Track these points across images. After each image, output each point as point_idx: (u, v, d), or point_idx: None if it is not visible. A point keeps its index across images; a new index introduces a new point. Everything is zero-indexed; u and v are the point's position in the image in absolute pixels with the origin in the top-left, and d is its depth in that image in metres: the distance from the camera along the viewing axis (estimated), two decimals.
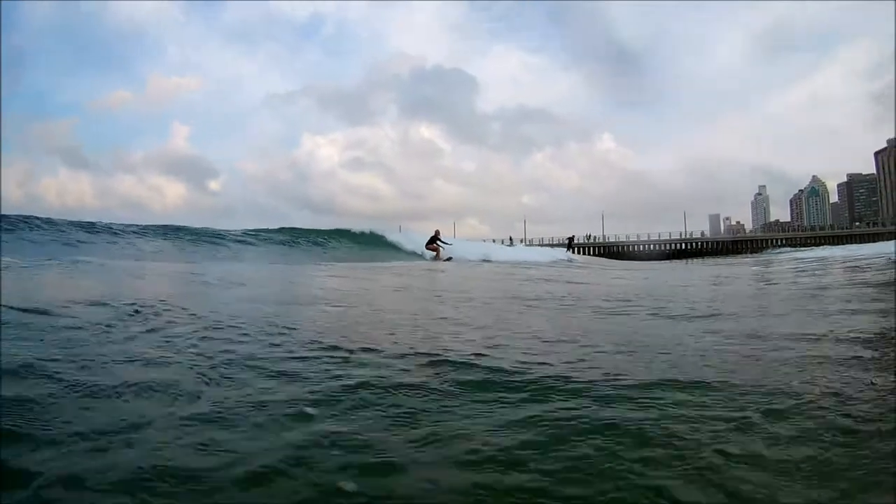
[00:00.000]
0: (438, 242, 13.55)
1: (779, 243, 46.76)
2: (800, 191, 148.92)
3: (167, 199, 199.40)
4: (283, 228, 12.86)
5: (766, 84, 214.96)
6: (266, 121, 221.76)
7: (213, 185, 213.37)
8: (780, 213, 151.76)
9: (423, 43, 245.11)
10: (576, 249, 31.28)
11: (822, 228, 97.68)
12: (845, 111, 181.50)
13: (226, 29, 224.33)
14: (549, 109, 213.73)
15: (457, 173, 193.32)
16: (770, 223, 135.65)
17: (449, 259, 12.78)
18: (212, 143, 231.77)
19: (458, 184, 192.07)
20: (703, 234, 70.67)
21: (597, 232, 44.66)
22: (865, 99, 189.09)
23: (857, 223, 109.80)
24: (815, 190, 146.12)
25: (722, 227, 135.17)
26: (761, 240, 50.33)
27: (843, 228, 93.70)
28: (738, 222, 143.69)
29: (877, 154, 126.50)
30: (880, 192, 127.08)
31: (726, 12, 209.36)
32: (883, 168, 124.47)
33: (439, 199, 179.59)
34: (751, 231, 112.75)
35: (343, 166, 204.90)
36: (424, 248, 13.69)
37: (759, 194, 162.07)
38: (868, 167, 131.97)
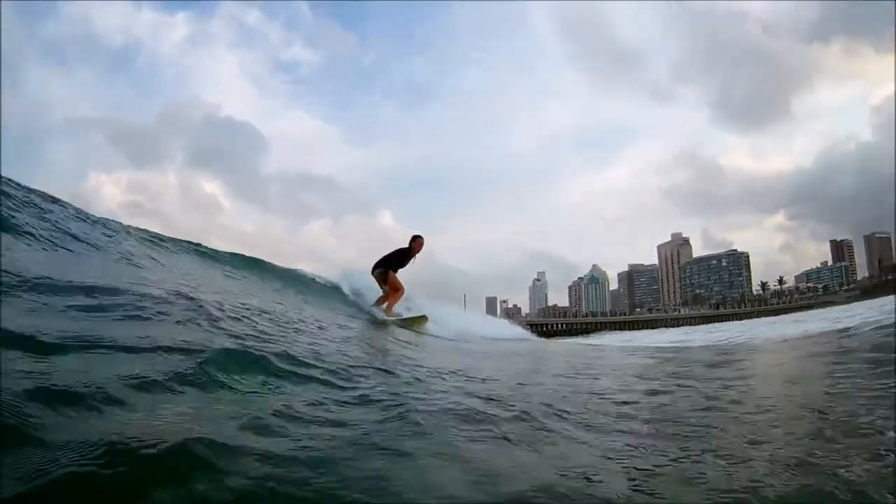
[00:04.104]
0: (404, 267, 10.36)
1: (561, 327, 61.55)
2: (579, 278, 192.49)
3: None
4: (257, 260, 10.75)
5: (552, 175, 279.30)
6: (60, 148, 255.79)
7: None
8: (559, 298, 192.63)
9: (222, 92, 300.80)
10: None
11: (603, 314, 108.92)
12: (631, 206, 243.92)
13: (44, 41, 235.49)
14: (332, 178, 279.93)
15: (234, 232, 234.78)
16: (548, 307, 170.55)
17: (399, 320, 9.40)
18: (5, 162, 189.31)
19: (235, 243, 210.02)
20: None
21: None
22: (652, 195, 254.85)
23: (638, 309, 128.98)
24: (594, 277, 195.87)
25: (499, 310, 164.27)
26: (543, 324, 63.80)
27: (623, 314, 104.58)
28: (514, 305, 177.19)
29: (660, 246, 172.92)
30: (661, 281, 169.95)
31: (519, 111, 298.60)
32: (665, 260, 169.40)
33: None
34: (527, 315, 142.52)
35: (122, 208, 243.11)
36: (371, 273, 10.27)
37: (538, 280, 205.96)
38: (649, 258, 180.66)
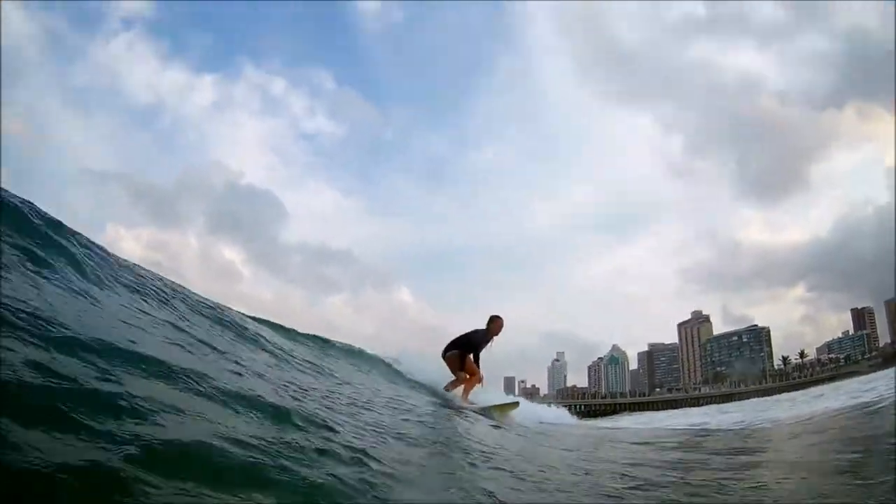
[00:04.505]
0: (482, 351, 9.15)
1: (580, 409, 60.29)
2: (599, 358, 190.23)
3: None
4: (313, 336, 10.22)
5: (571, 255, 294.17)
6: (77, 195, 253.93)
7: None
8: (578, 378, 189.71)
9: (244, 159, 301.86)
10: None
11: (621, 395, 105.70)
12: (650, 285, 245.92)
13: (70, 87, 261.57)
14: (351, 252, 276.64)
15: (253, 301, 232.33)
16: (566, 388, 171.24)
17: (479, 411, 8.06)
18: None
19: (251, 313, 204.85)
20: None
21: None
22: (671, 274, 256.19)
23: (658, 389, 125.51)
24: (615, 358, 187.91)
25: (517, 390, 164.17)
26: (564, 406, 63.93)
27: (642, 395, 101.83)
28: (533, 385, 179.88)
29: (680, 325, 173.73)
30: (681, 360, 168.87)
31: (538, 189, 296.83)
32: (685, 338, 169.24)
33: None
34: (545, 395, 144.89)
35: (143, 264, 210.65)
36: (442, 357, 9.27)
37: (557, 360, 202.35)
38: (669, 337, 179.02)
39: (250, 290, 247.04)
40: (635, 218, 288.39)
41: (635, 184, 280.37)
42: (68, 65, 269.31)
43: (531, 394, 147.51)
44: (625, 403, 68.60)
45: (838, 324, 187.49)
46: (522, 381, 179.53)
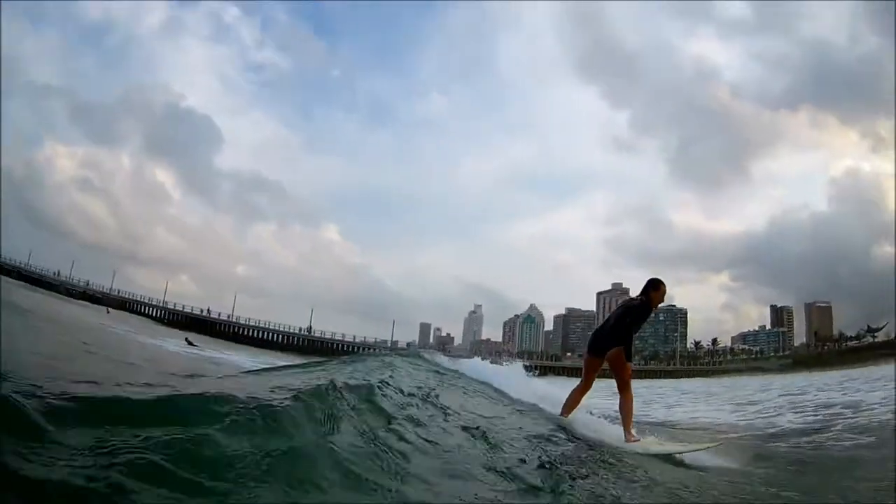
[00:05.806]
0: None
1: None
2: (516, 315, 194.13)
3: None
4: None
5: (501, 212, 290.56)
6: (18, 108, 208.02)
7: None
8: (493, 333, 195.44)
9: (187, 83, 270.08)
10: None
11: (532, 355, 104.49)
12: (576, 251, 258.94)
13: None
14: (282, 185, 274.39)
15: (179, 224, 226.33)
16: (480, 340, 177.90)
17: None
18: None
19: (178, 235, 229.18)
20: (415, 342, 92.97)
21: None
22: (599, 243, 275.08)
23: (569, 354, 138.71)
24: (531, 317, 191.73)
25: (432, 338, 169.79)
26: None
27: (555, 357, 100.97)
28: (448, 334, 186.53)
29: (599, 294, 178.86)
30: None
31: (477, 144, 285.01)
32: (603, 307, 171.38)
33: (157, 248, 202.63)
34: (459, 345, 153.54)
35: (74, 183, 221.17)
36: (590, 352, 6.86)
37: (474, 312, 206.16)
38: (587, 305, 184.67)
39: (179, 213, 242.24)
40: (570, 184, 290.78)
41: (575, 151, 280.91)
42: None
43: (446, 343, 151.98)
44: (538, 365, 68.29)
45: (758, 317, 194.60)
46: (438, 329, 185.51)
